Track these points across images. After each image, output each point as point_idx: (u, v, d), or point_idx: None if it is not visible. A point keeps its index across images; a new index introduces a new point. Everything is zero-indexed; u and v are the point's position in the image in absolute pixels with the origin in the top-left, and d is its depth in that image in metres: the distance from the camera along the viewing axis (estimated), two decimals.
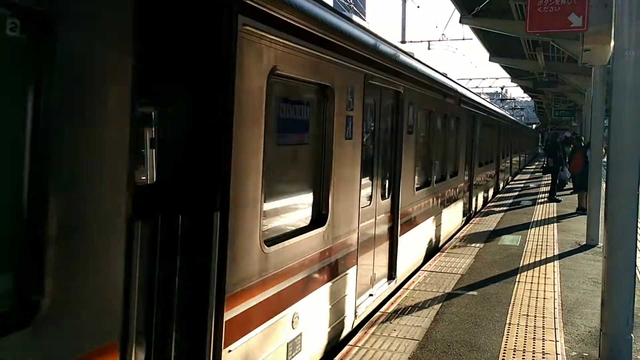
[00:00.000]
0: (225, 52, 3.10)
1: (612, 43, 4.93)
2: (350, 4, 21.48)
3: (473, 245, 10.36)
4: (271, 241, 3.80)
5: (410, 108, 7.22)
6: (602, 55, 9.68)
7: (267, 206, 3.82)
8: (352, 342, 5.47)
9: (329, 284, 4.90)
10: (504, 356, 5.28)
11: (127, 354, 2.60)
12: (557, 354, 5.34)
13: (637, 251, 5.12)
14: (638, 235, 5.06)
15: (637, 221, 4.97)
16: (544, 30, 7.06)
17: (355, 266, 5.50)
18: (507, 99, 52.34)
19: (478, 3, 13.65)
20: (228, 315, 3.22)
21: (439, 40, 24.19)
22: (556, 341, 5.64)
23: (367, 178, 6.05)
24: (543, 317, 6.34)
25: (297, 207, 4.68)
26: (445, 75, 10.66)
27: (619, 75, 4.88)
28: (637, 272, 5.95)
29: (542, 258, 9.42)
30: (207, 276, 3.10)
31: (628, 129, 4.88)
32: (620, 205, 4.90)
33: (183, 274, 3.05)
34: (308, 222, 4.69)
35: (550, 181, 18.55)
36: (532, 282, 7.84)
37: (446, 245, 10.28)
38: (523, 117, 68.11)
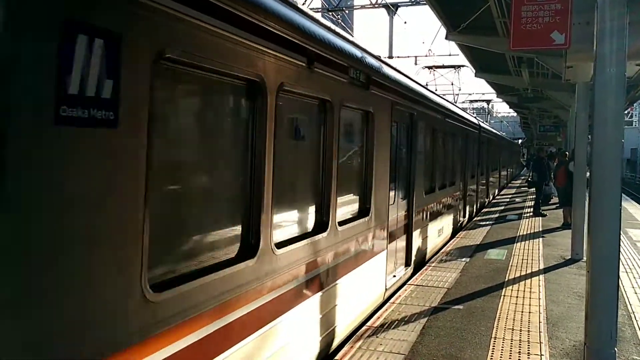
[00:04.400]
0: None
1: (594, 60, 5.02)
2: (338, 19, 21.69)
3: (459, 259, 10.40)
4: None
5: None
6: (584, 72, 9.83)
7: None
8: (338, 356, 5.45)
9: None
10: None
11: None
12: None
13: (620, 265, 5.17)
14: (621, 249, 5.11)
15: (619, 236, 5.02)
16: (528, 48, 7.16)
17: None
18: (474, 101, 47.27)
19: (464, 20, 13.82)
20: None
21: (426, 56, 24.47)
22: (541, 355, 5.66)
23: None
24: (528, 331, 6.36)
25: None
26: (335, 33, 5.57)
27: (600, 92, 4.96)
28: (620, 286, 6.02)
29: (527, 272, 9.48)
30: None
31: (610, 145, 4.95)
32: (603, 219, 4.96)
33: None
34: None
35: (534, 196, 18.71)
36: (517, 296, 7.88)
37: (433, 259, 10.31)
38: (488, 117, 63.66)
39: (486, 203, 21.58)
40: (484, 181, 20.69)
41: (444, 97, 13.95)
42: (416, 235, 9.17)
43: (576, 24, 6.56)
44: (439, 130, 11.10)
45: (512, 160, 41.28)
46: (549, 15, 6.27)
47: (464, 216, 15.63)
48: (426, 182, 9.96)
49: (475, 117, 20.80)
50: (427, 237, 10.18)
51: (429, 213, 10.22)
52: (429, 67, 25.35)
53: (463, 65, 23.13)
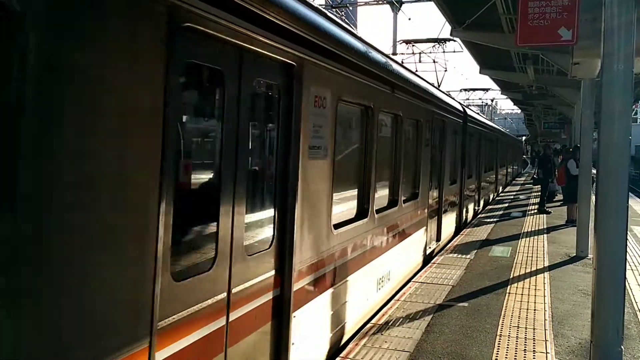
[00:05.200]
0: None
1: (601, 57, 4.98)
2: (342, 15, 21.65)
3: (464, 256, 10.38)
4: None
5: None
6: (591, 69, 9.77)
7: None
8: (343, 354, 5.45)
9: None
10: None
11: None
12: None
13: (627, 263, 5.14)
14: (627, 247, 5.08)
15: (626, 233, 4.99)
16: (534, 44, 7.15)
17: None
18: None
19: (469, 16, 13.78)
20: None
21: (430, 52, 24.34)
22: (547, 353, 5.64)
23: None
24: (533, 329, 6.35)
25: None
26: None
27: (607, 89, 4.92)
28: (626, 284, 5.98)
29: (532, 269, 9.46)
30: None
31: (617, 143, 4.91)
32: (609, 217, 4.93)
33: None
34: None
35: (540, 193, 18.67)
36: (522, 294, 7.86)
37: (437, 257, 10.29)
38: (492, 114, 53.49)
39: (477, 213, 17.28)
40: (473, 186, 16.15)
41: (395, 59, 8.89)
42: (302, 317, 4.56)
43: (583, 20, 6.52)
44: (376, 111, 6.33)
45: (512, 158, 35.97)
46: (556, 11, 6.24)
47: (438, 239, 11.03)
48: (344, 203, 5.83)
49: (458, 102, 14.79)
50: (344, 304, 5.69)
51: (348, 262, 5.68)
52: (407, 42, 18.73)
53: (450, 39, 16.87)
